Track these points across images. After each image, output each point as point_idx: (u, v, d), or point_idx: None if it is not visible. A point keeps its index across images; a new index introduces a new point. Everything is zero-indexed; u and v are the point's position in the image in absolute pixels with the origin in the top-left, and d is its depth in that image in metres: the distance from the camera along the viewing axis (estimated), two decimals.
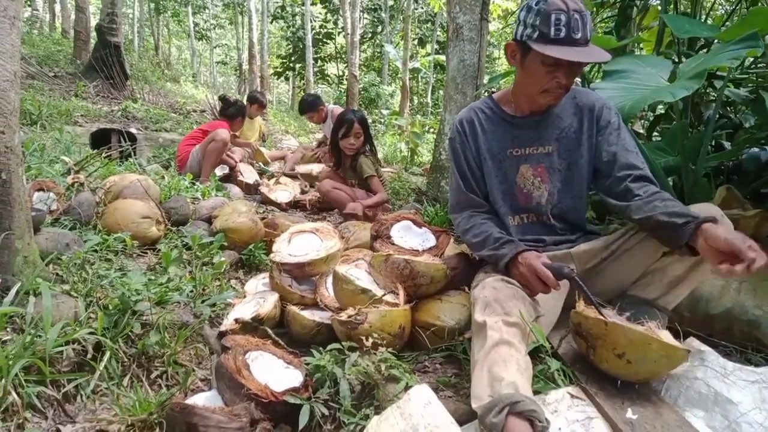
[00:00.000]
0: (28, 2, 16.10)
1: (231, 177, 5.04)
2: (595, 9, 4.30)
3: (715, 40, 2.87)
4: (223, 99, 5.59)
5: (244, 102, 5.98)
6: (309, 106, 6.15)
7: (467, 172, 1.97)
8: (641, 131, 4.20)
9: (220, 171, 5.03)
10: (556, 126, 1.88)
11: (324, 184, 3.84)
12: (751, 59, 3.05)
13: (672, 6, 3.48)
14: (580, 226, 1.97)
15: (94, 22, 10.25)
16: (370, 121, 4.07)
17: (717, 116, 3.00)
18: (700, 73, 1.99)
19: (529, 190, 1.91)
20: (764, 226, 2.28)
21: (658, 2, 3.65)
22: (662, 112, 3.63)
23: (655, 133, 3.69)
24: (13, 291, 1.54)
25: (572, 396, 1.44)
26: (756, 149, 2.86)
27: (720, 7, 5.10)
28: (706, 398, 1.39)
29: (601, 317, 1.45)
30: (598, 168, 1.86)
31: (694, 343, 1.49)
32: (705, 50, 3.27)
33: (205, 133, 4.94)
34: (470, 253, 2.23)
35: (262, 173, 5.47)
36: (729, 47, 2.01)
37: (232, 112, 5.38)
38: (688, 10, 3.54)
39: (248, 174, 5.12)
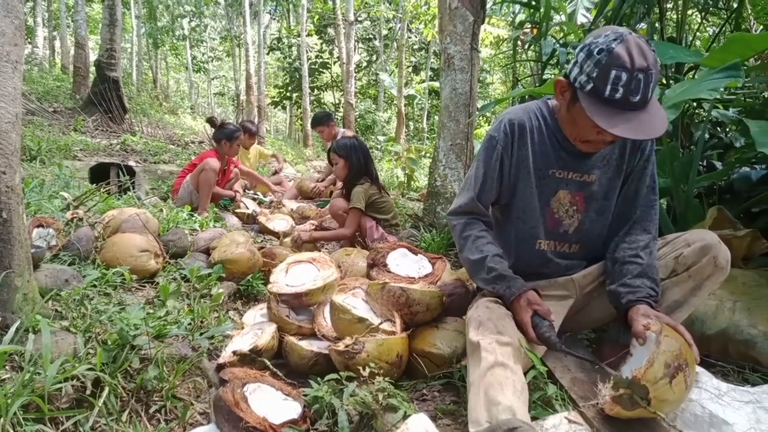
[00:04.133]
0: (29, 40, 16.38)
1: (230, 207, 5.08)
2: (583, 35, 4.40)
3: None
4: (210, 121, 5.58)
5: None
6: (320, 121, 6.26)
7: (491, 179, 1.81)
8: None
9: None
10: (601, 153, 1.77)
11: (336, 202, 3.87)
12: None
13: (658, 30, 3.57)
14: (595, 253, 1.89)
15: (93, 57, 10.42)
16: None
17: (707, 137, 3.05)
18: (678, 104, 2.05)
19: (561, 216, 1.81)
20: (756, 245, 2.31)
21: (645, 26, 3.74)
22: None
23: None
24: (12, 329, 1.55)
25: (570, 421, 1.44)
26: (747, 169, 2.90)
27: (707, 29, 5.22)
28: (701, 420, 1.39)
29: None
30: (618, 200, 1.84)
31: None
32: (693, 72, 3.35)
33: (194, 164, 5.00)
34: (467, 279, 2.25)
35: (260, 202, 5.51)
36: (711, 76, 2.07)
37: (217, 135, 5.28)
38: (675, 34, 3.63)
39: (247, 204, 5.18)
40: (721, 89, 2.10)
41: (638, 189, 1.79)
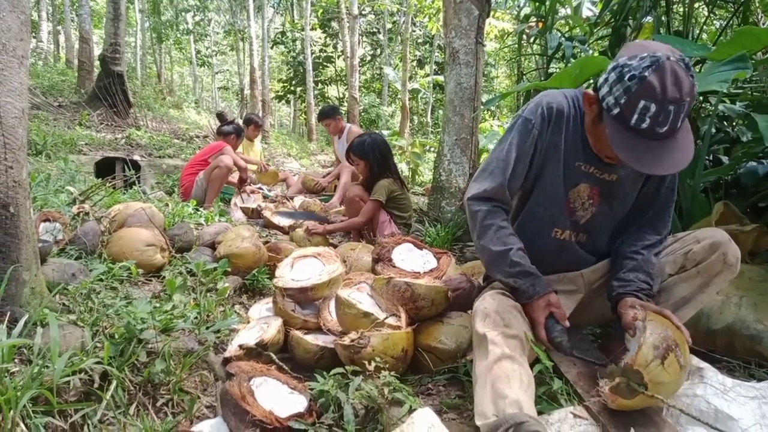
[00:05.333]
0: (33, 34, 16.40)
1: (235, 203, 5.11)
2: (588, 29, 4.38)
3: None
4: (219, 116, 5.84)
5: (241, 124, 6.18)
6: (326, 114, 6.29)
7: (524, 164, 1.72)
8: None
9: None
10: None
11: (353, 188, 3.87)
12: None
13: (665, 23, 3.54)
14: (602, 247, 1.87)
15: (97, 51, 10.42)
16: None
17: (713, 131, 3.03)
18: None
19: (575, 207, 1.78)
20: (763, 240, 2.30)
21: (652, 20, 3.71)
22: None
23: None
24: (21, 322, 1.56)
25: (575, 416, 1.44)
26: (753, 163, 2.88)
27: (714, 22, 5.18)
28: (707, 415, 1.39)
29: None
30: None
31: (693, 360, 1.50)
32: (700, 66, 3.33)
33: (206, 160, 5.04)
34: (472, 274, 2.25)
35: (264, 197, 5.52)
36: (719, 69, 2.06)
37: (227, 129, 5.50)
38: (681, 28, 3.60)
39: (252, 199, 5.20)
40: (729, 82, 2.07)
41: (659, 188, 1.77)
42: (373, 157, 3.71)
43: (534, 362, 1.56)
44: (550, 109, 1.70)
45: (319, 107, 11.39)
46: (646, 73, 1.35)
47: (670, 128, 1.38)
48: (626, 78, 1.38)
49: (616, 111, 1.43)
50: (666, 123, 1.37)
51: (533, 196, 1.81)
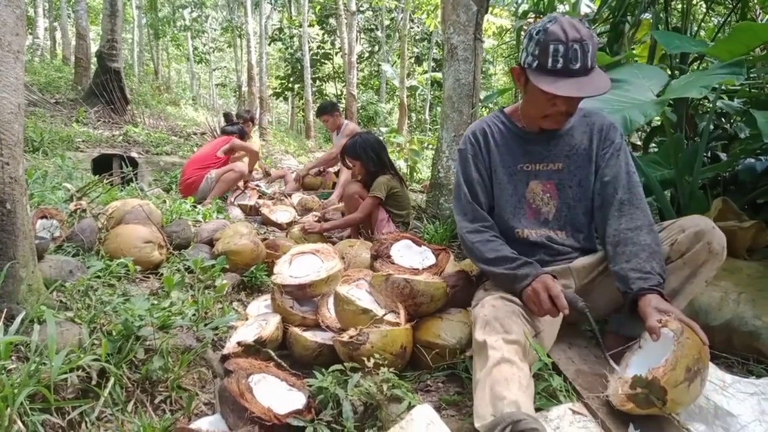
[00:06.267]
0: (30, 30, 16.33)
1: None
2: (588, 25, 4.36)
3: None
4: (226, 116, 6.16)
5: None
6: (325, 110, 6.30)
7: (475, 183, 1.95)
8: (638, 143, 4.24)
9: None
10: (567, 143, 1.89)
11: (352, 186, 3.86)
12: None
13: (663, 19, 3.54)
14: (585, 242, 1.94)
15: (94, 48, 10.39)
16: None
17: (712, 128, 3.03)
18: (662, 101, 2.12)
19: (538, 205, 1.92)
20: (761, 237, 2.30)
21: (650, 16, 3.70)
22: (658, 124, 3.67)
23: (653, 145, 3.73)
24: (18, 319, 1.55)
25: (574, 412, 1.45)
26: (751, 160, 2.88)
27: (712, 18, 5.17)
28: (706, 412, 1.40)
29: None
30: (594, 187, 1.88)
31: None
32: (699, 62, 3.33)
33: (214, 154, 5.15)
34: (470, 270, 2.25)
35: (262, 194, 5.52)
36: (713, 72, 2.07)
37: (230, 130, 5.66)
38: (680, 24, 3.60)
39: (249, 196, 5.20)
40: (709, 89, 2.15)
41: (616, 174, 1.81)
42: (366, 156, 3.71)
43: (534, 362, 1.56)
44: (474, 135, 1.98)
45: (317, 104, 11.39)
46: (548, 25, 1.64)
47: (582, 64, 1.62)
48: (534, 34, 1.67)
49: (535, 63, 1.67)
50: (576, 59, 1.61)
51: (495, 209, 1.98)
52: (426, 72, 18.12)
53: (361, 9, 19.19)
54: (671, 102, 2.82)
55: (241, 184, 5.32)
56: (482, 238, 1.87)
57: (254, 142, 6.71)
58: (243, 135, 5.70)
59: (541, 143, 1.90)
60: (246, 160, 5.76)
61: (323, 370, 1.69)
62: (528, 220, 1.92)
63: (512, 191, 1.93)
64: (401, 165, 8.47)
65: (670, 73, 3.21)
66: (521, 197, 1.93)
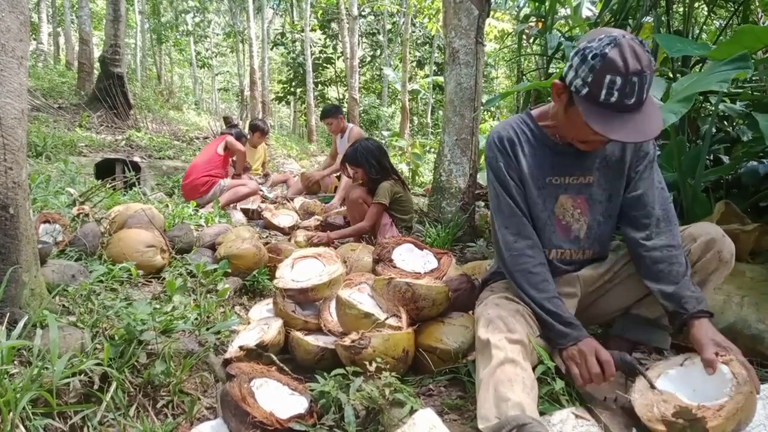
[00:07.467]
0: (33, 36, 16.41)
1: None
2: (588, 29, 4.37)
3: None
4: (226, 119, 6.28)
5: (246, 130, 6.30)
6: (329, 113, 6.31)
7: (515, 194, 1.76)
8: None
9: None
10: (598, 154, 1.74)
11: (355, 190, 3.86)
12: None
13: (665, 23, 3.54)
14: (606, 253, 1.88)
15: (97, 53, 10.42)
16: None
17: (714, 131, 3.03)
18: (689, 96, 2.00)
19: (569, 222, 1.79)
20: (764, 240, 2.30)
21: (652, 19, 3.71)
22: None
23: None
24: (20, 324, 1.55)
25: (577, 416, 1.44)
26: (754, 163, 2.88)
27: (714, 21, 5.17)
28: None
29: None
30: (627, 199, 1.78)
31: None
32: (700, 65, 3.33)
33: (217, 153, 5.27)
34: (472, 274, 2.25)
35: (264, 199, 5.53)
36: (719, 68, 2.05)
37: (230, 132, 5.64)
38: (681, 27, 3.60)
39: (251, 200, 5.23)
40: (730, 82, 2.07)
41: (648, 189, 1.73)
42: (368, 163, 3.73)
43: (537, 365, 1.56)
44: (501, 141, 1.77)
45: (319, 108, 11.41)
46: (607, 50, 1.41)
47: (637, 99, 1.43)
48: (589, 58, 1.44)
49: (585, 91, 1.47)
50: (633, 95, 1.42)
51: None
52: (428, 76, 18.12)
53: (363, 13, 19.22)
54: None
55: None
56: (523, 268, 1.70)
57: (258, 154, 6.69)
58: (240, 137, 5.66)
59: (571, 155, 1.74)
60: (255, 177, 5.91)
61: (325, 374, 1.69)
62: (558, 238, 1.80)
63: (542, 206, 1.77)
64: (403, 168, 8.47)
65: (671, 76, 3.21)
66: (550, 213, 1.78)
